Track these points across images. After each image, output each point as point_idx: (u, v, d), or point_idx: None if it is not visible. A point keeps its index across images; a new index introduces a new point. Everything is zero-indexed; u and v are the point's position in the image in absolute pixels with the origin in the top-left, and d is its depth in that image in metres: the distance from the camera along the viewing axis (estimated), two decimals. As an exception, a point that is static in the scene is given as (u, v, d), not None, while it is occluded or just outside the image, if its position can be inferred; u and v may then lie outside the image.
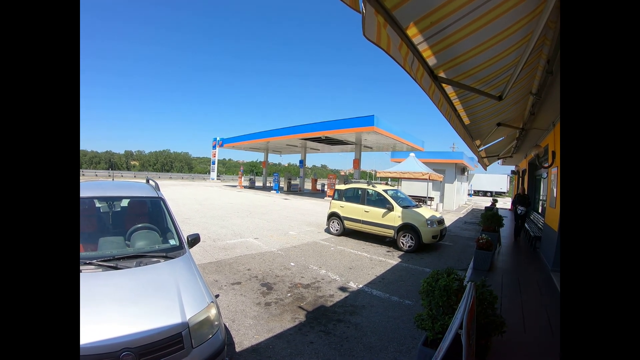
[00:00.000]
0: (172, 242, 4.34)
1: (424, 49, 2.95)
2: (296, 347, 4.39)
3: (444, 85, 3.81)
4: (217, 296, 5.74)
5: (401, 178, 23.12)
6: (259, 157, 69.89)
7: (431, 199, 24.97)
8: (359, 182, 13.54)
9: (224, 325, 3.90)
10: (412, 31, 2.62)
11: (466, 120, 5.79)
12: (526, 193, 13.41)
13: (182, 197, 24.89)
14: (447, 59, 3.33)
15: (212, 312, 3.18)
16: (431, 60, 3.20)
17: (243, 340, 4.48)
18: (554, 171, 9.32)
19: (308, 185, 44.67)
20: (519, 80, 4.96)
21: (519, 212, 12.93)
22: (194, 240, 4.50)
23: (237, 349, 4.25)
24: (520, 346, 4.58)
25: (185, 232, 4.64)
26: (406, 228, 10.92)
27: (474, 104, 5.07)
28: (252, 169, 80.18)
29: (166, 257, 3.83)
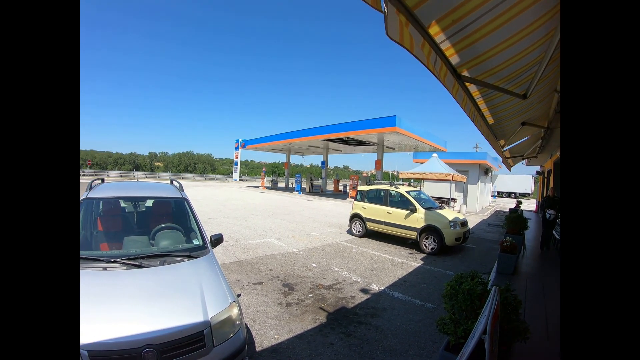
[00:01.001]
0: (195, 241, 4.39)
1: (446, 47, 2.91)
2: (316, 348, 4.39)
3: (467, 84, 3.76)
4: (239, 296, 5.78)
5: (424, 179, 22.94)
6: (281, 158, 70.21)
7: (454, 200, 24.72)
8: (381, 183, 13.45)
9: (245, 324, 3.93)
10: (434, 30, 2.59)
11: (490, 120, 5.70)
12: (556, 195, 11.66)
13: (205, 197, 25.12)
14: (470, 57, 3.28)
15: (234, 311, 3.19)
16: (454, 59, 3.16)
17: (263, 340, 4.50)
18: None
19: (330, 186, 44.63)
20: (544, 78, 4.87)
21: (548, 216, 11.05)
22: (217, 240, 4.53)
23: (258, 349, 4.26)
24: (542, 353, 4.51)
25: (208, 232, 4.68)
26: (429, 230, 10.79)
27: (497, 103, 4.98)
28: (275, 170, 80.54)
29: (189, 257, 3.87)
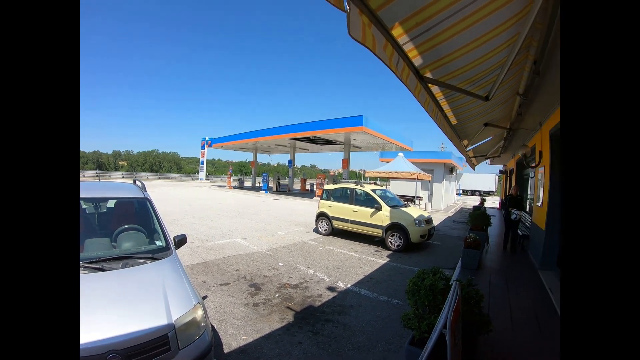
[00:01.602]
0: (158, 243, 4.31)
1: (409, 49, 2.94)
2: (284, 348, 4.39)
3: (430, 85, 3.81)
4: (205, 297, 5.72)
5: (390, 178, 23.21)
6: (248, 157, 69.71)
7: (420, 198, 25.12)
8: (347, 182, 13.57)
9: (212, 326, 3.88)
10: (397, 31, 2.61)
11: (453, 121, 5.80)
12: (519, 194, 11.39)
13: (170, 197, 24.72)
14: (433, 59, 3.32)
15: (199, 313, 3.16)
16: (417, 61, 3.19)
17: (231, 341, 4.47)
18: (541, 170, 9.48)
19: (297, 185, 44.58)
20: (506, 81, 4.98)
21: (513, 217, 10.57)
22: (181, 241, 4.48)
23: (226, 350, 4.24)
24: (508, 344, 4.62)
25: (174, 233, 4.63)
26: (394, 227, 10.99)
27: (460, 104, 5.08)
28: (241, 169, 79.92)
29: (152, 259, 3.80)
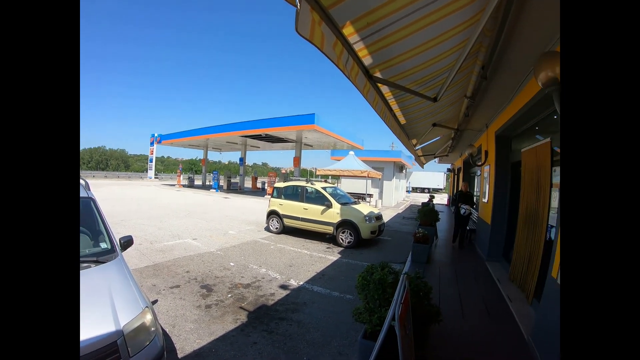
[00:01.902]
0: (103, 245, 4.11)
1: (359, 48, 2.96)
2: (240, 349, 4.34)
3: (379, 85, 3.87)
4: (155, 301, 5.55)
5: (341, 176, 23.45)
6: (198, 154, 68.18)
7: (370, 195, 25.47)
8: (297, 180, 13.58)
9: (164, 331, 3.77)
10: (348, 30, 2.63)
11: (402, 120, 5.92)
12: (469, 191, 11.43)
13: (117, 197, 23.81)
14: (383, 59, 3.37)
15: (148, 317, 3.05)
16: (367, 60, 3.23)
17: (185, 345, 4.36)
18: (487, 169, 9.94)
19: (248, 184, 44.19)
20: (454, 84, 5.11)
21: (462, 212, 10.65)
22: (127, 242, 4.32)
23: (180, 355, 4.14)
24: (459, 332, 4.82)
25: (121, 234, 4.45)
26: (345, 224, 11.18)
27: (409, 104, 5.18)
28: (192, 167, 78.27)
29: (97, 262, 3.61)
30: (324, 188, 12.33)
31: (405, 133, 6.83)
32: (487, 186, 9.87)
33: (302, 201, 12.36)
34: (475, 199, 12.19)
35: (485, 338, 4.70)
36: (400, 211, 24.90)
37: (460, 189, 11.48)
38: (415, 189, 61.19)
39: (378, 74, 3.60)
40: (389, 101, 4.63)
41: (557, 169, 4.45)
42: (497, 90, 6.41)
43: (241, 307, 5.62)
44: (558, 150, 4.56)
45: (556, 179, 5.13)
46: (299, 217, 12.26)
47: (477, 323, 5.14)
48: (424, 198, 31.87)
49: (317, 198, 12.12)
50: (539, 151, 5.81)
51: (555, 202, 5.09)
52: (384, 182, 28.52)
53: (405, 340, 2.72)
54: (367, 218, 11.11)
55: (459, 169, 21.40)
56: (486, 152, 9.89)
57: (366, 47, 3.00)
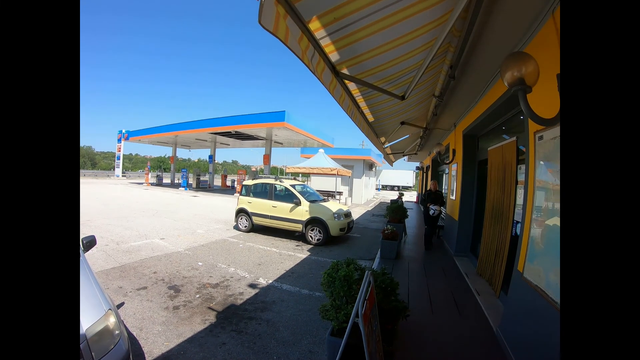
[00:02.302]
0: (65, 246, 4.01)
1: (326, 44, 2.95)
2: (209, 350, 4.27)
3: (346, 81, 3.87)
4: (122, 304, 5.39)
5: (310, 173, 23.44)
6: (167, 152, 67.00)
7: (340, 193, 25.62)
8: (266, 178, 13.52)
9: (132, 334, 3.68)
10: (314, 25, 2.61)
11: (370, 118, 5.95)
12: (439, 190, 10.73)
13: (83, 196, 23.01)
14: (351, 56, 3.36)
15: (111, 320, 2.95)
16: (334, 56, 3.22)
17: (153, 348, 4.25)
18: (454, 167, 10.19)
19: (218, 182, 43.66)
20: (422, 83, 5.16)
21: (431, 212, 10.12)
22: (89, 243, 4.19)
23: (148, 359, 4.04)
24: (429, 326, 4.89)
25: (85, 235, 4.33)
26: (314, 222, 11.19)
27: (377, 102, 5.20)
28: (160, 165, 76.87)
29: (58, 263, 3.53)
30: (293, 186, 12.30)
31: (374, 131, 6.87)
32: (455, 184, 10.13)
33: (270, 199, 12.29)
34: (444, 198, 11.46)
35: (455, 331, 4.79)
36: (369, 208, 25.09)
37: (429, 188, 10.71)
38: (385, 187, 62.30)
39: (345, 71, 3.60)
40: (357, 98, 4.63)
41: (522, 167, 4.56)
42: (465, 91, 6.52)
43: (210, 308, 5.54)
44: (524, 149, 4.68)
45: (521, 177, 5.25)
46: (267, 215, 12.19)
47: (446, 317, 5.23)
48: (393, 196, 32.21)
49: (286, 196, 12.09)
50: (505, 150, 5.94)
51: (520, 199, 5.21)
52: (354, 179, 28.83)
53: (372, 337, 2.73)
54: (336, 215, 11.18)
55: (427, 167, 21.70)
56: (454, 151, 10.10)
57: (333, 43, 2.98)
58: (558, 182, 3.28)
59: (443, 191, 13.19)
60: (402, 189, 58.81)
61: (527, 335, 3.75)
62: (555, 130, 3.31)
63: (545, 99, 3.46)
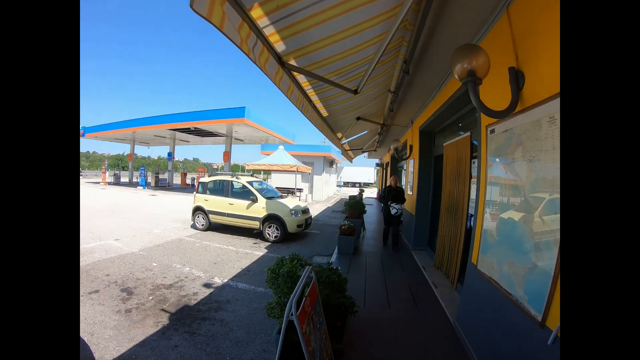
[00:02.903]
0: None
1: (270, 33, 2.83)
2: (161, 354, 4.14)
3: (295, 74, 3.76)
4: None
5: (270, 170, 23.35)
6: (125, 149, 65.09)
7: (300, 190, 25.59)
8: (223, 174, 13.32)
9: (82, 340, 3.49)
10: (256, 13, 2.48)
11: (324, 112, 5.87)
12: (400, 186, 10.07)
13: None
14: (298, 46, 3.25)
15: None
16: (279, 46, 3.09)
17: (104, 354, 4.08)
18: (412, 163, 10.30)
19: (178, 180, 42.79)
20: (376, 77, 5.14)
21: (393, 211, 9.34)
22: None
23: (100, 365, 3.86)
24: (385, 321, 4.90)
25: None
26: (271, 219, 11.14)
27: (330, 96, 5.12)
28: (118, 163, 74.93)
29: None
30: (250, 182, 12.21)
31: (329, 126, 6.79)
32: (412, 179, 10.24)
33: (227, 196, 12.13)
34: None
35: (412, 325, 4.81)
36: (330, 205, 25.29)
37: (389, 184, 9.93)
38: (346, 184, 63.22)
39: (293, 62, 3.48)
40: (308, 92, 4.52)
41: (476, 161, 4.61)
42: (420, 87, 6.58)
43: (163, 309, 5.38)
44: (476, 144, 4.74)
45: (474, 171, 5.32)
46: (224, 213, 12.02)
47: (403, 311, 5.26)
48: (354, 192, 32.57)
49: (243, 193, 11.98)
50: (460, 145, 6.03)
51: (473, 193, 5.27)
52: (314, 176, 28.97)
53: (314, 336, 2.66)
54: (293, 212, 11.16)
55: (387, 164, 21.92)
56: (411, 147, 10.24)
57: (278, 32, 2.86)
58: (509, 175, 3.32)
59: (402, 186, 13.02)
60: (363, 185, 59.69)
61: (483, 326, 3.79)
62: (507, 124, 3.35)
63: (497, 93, 3.51)
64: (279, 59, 3.15)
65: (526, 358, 2.73)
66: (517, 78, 3.06)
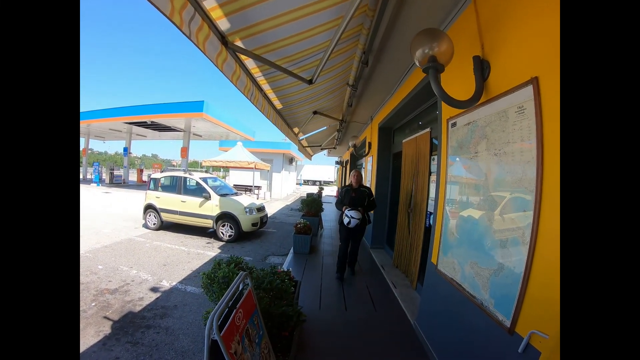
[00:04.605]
0: None
1: (212, 7, 2.51)
2: (100, 367, 3.83)
3: (242, 57, 3.44)
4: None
5: (227, 167, 23.10)
6: (80, 143, 63.06)
7: (258, 187, 25.53)
8: (175, 170, 12.92)
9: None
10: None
11: (278, 105, 5.55)
12: (365, 186, 6.69)
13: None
14: (244, 24, 2.93)
15: None
16: (223, 24, 2.77)
17: (36, 370, 3.69)
18: (370, 160, 10.31)
19: (134, 177, 41.65)
20: (333, 67, 4.94)
21: (346, 221, 6.28)
22: None
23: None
24: (341, 325, 4.72)
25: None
26: (225, 217, 10.85)
27: (284, 86, 4.81)
28: (73, 158, 73.06)
29: None
30: (204, 179, 11.86)
31: (284, 120, 6.50)
32: (370, 176, 10.19)
33: (179, 193, 11.70)
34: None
35: (370, 328, 4.66)
36: (289, 203, 25.27)
37: (349, 182, 6.75)
38: (306, 182, 64.18)
39: (239, 43, 3.15)
40: (258, 79, 4.18)
41: (436, 158, 4.49)
42: (381, 81, 6.46)
43: (105, 317, 5.02)
44: (437, 143, 4.65)
45: (434, 168, 5.22)
46: (177, 211, 11.58)
47: (361, 313, 5.10)
48: (314, 190, 32.78)
49: (196, 190, 11.60)
50: (419, 141, 5.99)
51: (433, 191, 5.17)
52: (273, 174, 29.01)
53: (250, 354, 2.33)
54: (248, 210, 10.92)
55: (346, 162, 21.99)
56: (369, 144, 10.23)
57: (220, 6, 2.54)
58: (472, 170, 3.19)
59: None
60: (323, 183, 60.40)
61: (444, 329, 3.67)
62: (470, 116, 3.21)
63: (462, 84, 3.40)
64: (222, 38, 2.83)
65: (492, 364, 2.59)
66: (482, 67, 2.93)
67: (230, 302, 2.36)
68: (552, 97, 2.07)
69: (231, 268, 3.54)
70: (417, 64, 2.75)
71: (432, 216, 4.82)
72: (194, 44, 2.26)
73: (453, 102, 2.75)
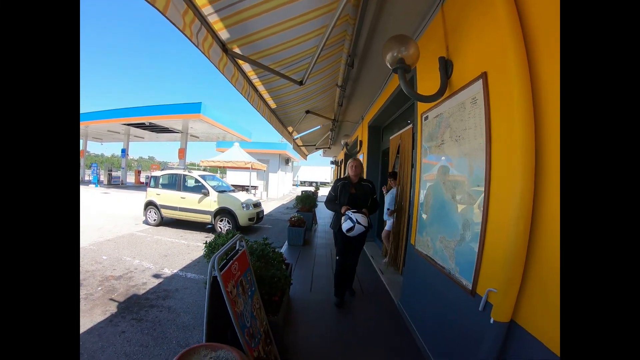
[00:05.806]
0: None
1: (214, 20, 2.95)
2: (107, 339, 4.16)
3: (240, 62, 3.88)
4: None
5: (225, 167, 23.23)
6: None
7: (255, 187, 25.61)
8: (174, 169, 13.23)
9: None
10: (201, 1, 2.61)
11: (272, 104, 5.99)
12: (366, 179, 5.43)
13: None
14: (242, 34, 3.38)
15: None
16: (224, 34, 3.22)
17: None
18: (361, 158, 10.55)
19: (132, 178, 41.64)
20: (322, 70, 5.32)
21: (345, 227, 4.56)
22: None
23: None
24: (329, 305, 5.10)
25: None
26: (223, 212, 11.25)
27: (277, 87, 5.23)
28: (69, 160, 72.58)
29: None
30: (202, 176, 12.23)
31: (279, 119, 6.89)
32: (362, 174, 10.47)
33: (179, 190, 12.10)
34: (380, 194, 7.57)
35: (358, 310, 4.98)
36: (285, 202, 25.60)
37: (346, 174, 5.18)
38: (303, 183, 63.73)
39: (237, 50, 3.60)
40: (253, 81, 4.64)
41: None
42: (368, 82, 6.82)
43: (111, 299, 5.38)
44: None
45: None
46: (176, 207, 11.98)
47: (348, 296, 5.44)
48: (310, 190, 32.94)
49: (195, 187, 11.99)
50: (403, 137, 6.31)
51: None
52: (270, 174, 29.18)
53: (242, 300, 2.76)
54: (245, 205, 11.31)
55: (341, 161, 22.13)
56: (360, 142, 10.66)
57: (222, 20, 2.99)
58: (440, 155, 3.56)
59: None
60: (320, 184, 60.31)
61: (422, 302, 4.00)
62: (438, 109, 3.59)
63: (432, 83, 3.70)
64: (223, 46, 3.28)
65: (461, 326, 2.89)
66: (446, 66, 3.33)
67: (228, 255, 2.89)
68: (498, 88, 2.44)
69: (229, 237, 3.90)
70: (388, 65, 3.18)
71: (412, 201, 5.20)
72: (201, 51, 2.71)
73: (419, 97, 3.18)
